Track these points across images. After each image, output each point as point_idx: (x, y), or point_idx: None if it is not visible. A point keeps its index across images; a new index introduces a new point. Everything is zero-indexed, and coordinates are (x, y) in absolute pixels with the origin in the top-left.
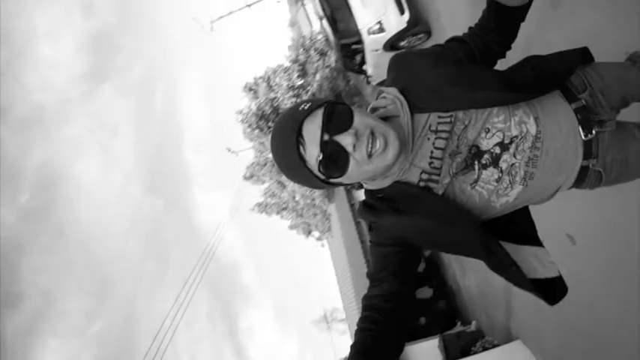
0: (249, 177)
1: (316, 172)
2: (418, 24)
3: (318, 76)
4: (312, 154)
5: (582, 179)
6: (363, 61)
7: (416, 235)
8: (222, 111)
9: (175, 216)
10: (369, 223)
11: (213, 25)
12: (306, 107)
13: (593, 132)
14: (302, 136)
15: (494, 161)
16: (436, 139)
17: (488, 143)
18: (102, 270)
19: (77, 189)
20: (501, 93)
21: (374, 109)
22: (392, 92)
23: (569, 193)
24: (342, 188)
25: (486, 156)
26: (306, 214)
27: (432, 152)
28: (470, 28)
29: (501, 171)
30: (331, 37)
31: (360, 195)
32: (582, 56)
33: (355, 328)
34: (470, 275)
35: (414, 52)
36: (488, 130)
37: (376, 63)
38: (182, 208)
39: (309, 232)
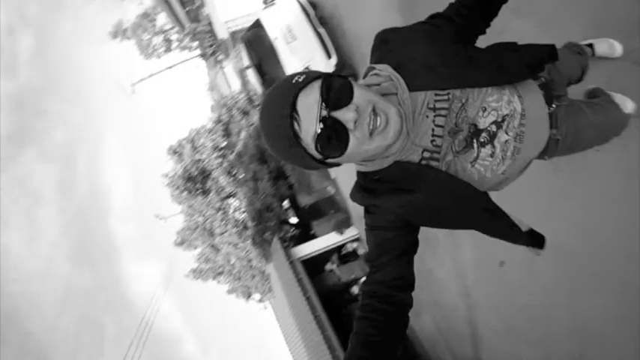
0: (180, 243)
1: (312, 151)
2: (345, 68)
3: (242, 135)
4: (308, 131)
5: (545, 149)
6: None
7: (419, 214)
8: (148, 176)
9: (108, 287)
10: (365, 205)
11: (135, 87)
12: (300, 79)
13: (554, 105)
14: (296, 111)
15: (492, 139)
16: (435, 116)
17: (485, 122)
18: (35, 346)
19: (3, 261)
20: (497, 74)
21: (366, 87)
22: (386, 69)
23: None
24: (279, 246)
25: (484, 134)
26: (243, 276)
27: (433, 130)
28: (452, 5)
29: (495, 147)
30: (258, 88)
31: (299, 251)
32: (552, 51)
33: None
34: (424, 314)
35: (403, 28)
36: (484, 109)
37: None
38: (114, 279)
39: (249, 296)
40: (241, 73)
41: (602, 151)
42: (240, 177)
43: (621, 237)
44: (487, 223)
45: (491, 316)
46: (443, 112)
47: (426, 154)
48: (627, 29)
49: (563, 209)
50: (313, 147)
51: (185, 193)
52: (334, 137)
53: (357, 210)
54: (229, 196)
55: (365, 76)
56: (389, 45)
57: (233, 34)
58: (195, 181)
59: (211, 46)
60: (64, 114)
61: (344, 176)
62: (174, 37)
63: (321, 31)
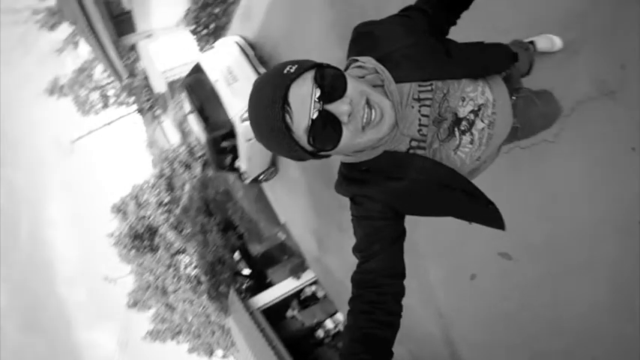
0: (133, 304)
1: (304, 143)
2: None
3: (186, 188)
4: (301, 124)
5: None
6: (234, 159)
7: (407, 200)
8: (94, 236)
9: (62, 358)
10: (352, 196)
11: (74, 145)
12: (292, 70)
13: (514, 97)
14: (288, 104)
15: (470, 127)
16: (421, 106)
17: (464, 111)
18: None
19: None
20: (475, 67)
21: (359, 79)
22: (369, 61)
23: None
24: (236, 298)
25: (464, 123)
26: (203, 333)
27: (419, 120)
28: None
29: (473, 135)
30: (201, 136)
31: (258, 301)
32: (513, 54)
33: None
34: (398, 347)
35: (380, 21)
36: (464, 99)
37: (250, 155)
38: (68, 349)
39: (211, 353)
40: (181, 125)
41: (557, 142)
42: (188, 231)
43: (588, 226)
44: (467, 205)
45: (469, 331)
46: (427, 102)
47: (414, 143)
48: (564, 23)
49: (526, 205)
50: (305, 140)
51: (133, 251)
52: (327, 130)
53: (311, 252)
54: (179, 251)
55: (346, 69)
56: (369, 38)
57: (171, 84)
58: (142, 239)
59: (148, 100)
60: (2, 177)
61: (294, 220)
62: (111, 92)
63: (262, 70)
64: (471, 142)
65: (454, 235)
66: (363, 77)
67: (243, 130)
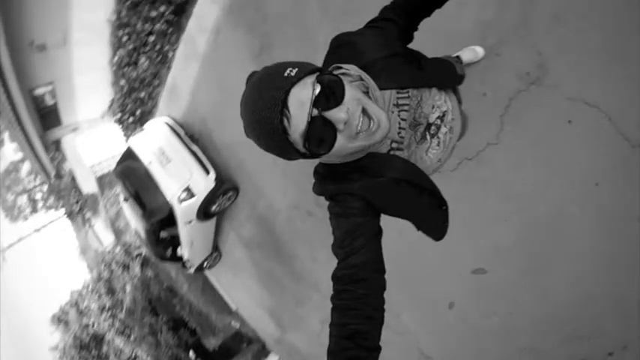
0: None
1: (299, 146)
2: (224, 181)
3: (128, 289)
4: (298, 128)
5: None
6: (175, 248)
7: (384, 197)
8: (36, 352)
9: None
10: (332, 195)
11: (5, 254)
12: (293, 73)
13: (461, 105)
14: (287, 107)
15: (437, 131)
16: (400, 112)
17: (433, 117)
18: None
19: None
20: (441, 78)
21: (355, 86)
22: (354, 69)
23: None
24: None
25: (433, 127)
26: None
27: (399, 123)
28: (393, 8)
29: (439, 138)
30: (138, 227)
31: None
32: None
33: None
34: None
35: (356, 32)
36: (433, 106)
37: (192, 239)
38: None
39: None
40: (114, 224)
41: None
42: (137, 335)
43: (549, 214)
44: (428, 206)
45: None
46: (405, 108)
47: (394, 145)
48: (479, 32)
49: (486, 212)
50: (301, 143)
51: None
52: (322, 136)
53: (270, 334)
54: (131, 358)
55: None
56: (351, 48)
57: (101, 179)
58: (89, 349)
59: (77, 202)
60: None
61: (246, 304)
62: (38, 195)
63: (194, 148)
64: (438, 144)
65: (421, 270)
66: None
67: (182, 212)
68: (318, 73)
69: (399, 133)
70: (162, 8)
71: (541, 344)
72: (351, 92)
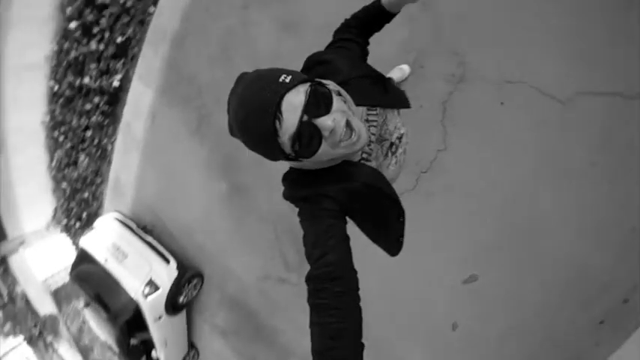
0: None
1: (286, 148)
2: (187, 269)
3: None
4: (288, 130)
5: None
6: (150, 352)
7: (355, 201)
8: None
9: None
10: (305, 197)
11: None
12: (287, 80)
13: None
14: (281, 111)
15: (396, 150)
16: (369, 127)
17: (394, 136)
18: None
19: None
20: (402, 100)
21: (342, 100)
22: (332, 84)
23: None
24: None
25: (394, 145)
26: None
27: (369, 137)
28: (348, 28)
29: (397, 157)
30: (105, 335)
31: None
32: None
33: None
34: None
35: (333, 52)
36: (395, 126)
37: (165, 338)
38: None
39: None
40: (78, 342)
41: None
42: None
43: (519, 200)
44: (391, 216)
45: None
46: (374, 124)
47: (365, 155)
48: (400, 50)
49: (456, 218)
50: (289, 145)
51: None
52: (309, 141)
53: None
54: None
55: None
56: (326, 66)
57: (56, 293)
58: None
59: (35, 325)
60: None
61: None
62: None
63: (149, 239)
64: (396, 162)
65: (411, 302)
66: None
67: (150, 307)
68: (310, 83)
69: (368, 145)
70: (96, 99)
71: (556, 328)
72: (338, 104)
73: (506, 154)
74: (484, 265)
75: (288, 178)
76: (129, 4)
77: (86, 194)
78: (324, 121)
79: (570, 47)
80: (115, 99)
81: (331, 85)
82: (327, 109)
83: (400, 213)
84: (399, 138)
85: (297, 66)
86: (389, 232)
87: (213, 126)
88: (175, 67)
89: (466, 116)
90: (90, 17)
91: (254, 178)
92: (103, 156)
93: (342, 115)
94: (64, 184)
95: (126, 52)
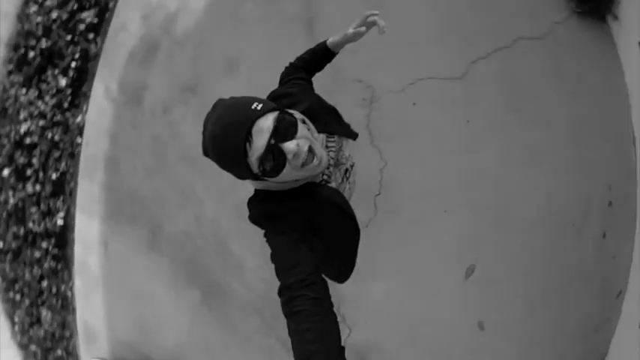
0: None
1: (254, 167)
2: None
3: None
4: (256, 152)
5: None
6: None
7: (319, 217)
8: None
9: None
10: (273, 214)
11: None
12: (259, 107)
13: None
14: (251, 134)
15: (350, 175)
16: (329, 151)
17: (349, 163)
18: None
19: None
20: (352, 131)
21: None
22: (297, 113)
23: None
24: None
25: (348, 171)
26: None
27: (329, 161)
28: (296, 69)
29: (350, 183)
30: None
31: None
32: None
33: (291, 311)
34: None
35: (292, 86)
36: (348, 155)
37: None
38: None
39: None
40: None
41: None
42: None
43: (476, 176)
44: (349, 235)
45: None
46: (333, 149)
47: (325, 177)
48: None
49: (428, 216)
50: (256, 165)
51: None
52: (275, 162)
53: None
54: None
55: None
56: (289, 97)
57: None
58: None
59: None
60: None
61: None
62: None
63: None
64: (349, 188)
65: (431, 323)
66: None
67: None
68: (278, 112)
69: (328, 168)
70: (44, 244)
71: (565, 284)
72: (302, 131)
73: (440, 144)
74: (474, 252)
75: (255, 200)
76: (57, 138)
77: (59, 351)
78: (289, 146)
79: (441, 30)
80: (63, 240)
81: (297, 114)
82: (292, 134)
83: (356, 231)
84: (352, 165)
85: None
86: (345, 250)
87: (167, 235)
88: (114, 189)
89: (390, 128)
90: (21, 160)
91: (222, 272)
92: (65, 305)
93: (305, 141)
94: (33, 347)
95: (63, 189)
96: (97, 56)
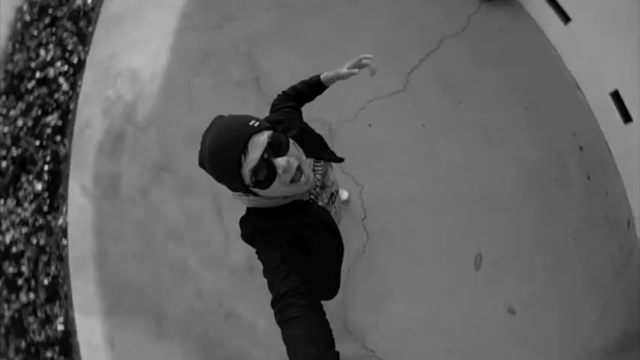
0: None
1: (246, 179)
2: None
3: None
4: (249, 165)
5: None
6: None
7: (311, 230)
8: None
9: None
10: (264, 230)
11: None
12: (256, 125)
13: None
14: (247, 147)
15: (335, 200)
16: (315, 174)
17: (334, 187)
18: None
19: None
20: (337, 157)
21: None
22: (289, 138)
23: None
24: None
25: (333, 195)
26: None
27: (316, 182)
28: (287, 98)
29: (336, 207)
30: None
31: None
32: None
33: (286, 320)
34: None
35: (281, 114)
36: (333, 181)
37: None
38: None
39: None
40: None
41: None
42: None
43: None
44: (334, 250)
45: None
46: (320, 172)
47: (312, 197)
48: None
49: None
50: (249, 177)
51: None
52: (266, 175)
53: None
54: None
55: None
56: (280, 124)
57: None
58: None
59: None
60: None
61: None
62: None
63: None
64: (335, 212)
65: (463, 328)
66: None
67: None
68: (273, 130)
69: (314, 189)
70: (48, 354)
71: (572, 238)
72: (293, 150)
73: (405, 153)
74: (474, 242)
75: (246, 218)
76: (42, 242)
77: None
78: (280, 161)
79: (375, 53)
80: (67, 346)
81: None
82: (284, 152)
83: (341, 248)
84: (337, 191)
85: None
86: (331, 265)
87: (172, 318)
88: (109, 284)
89: (356, 154)
90: (10, 270)
91: (236, 339)
92: None
93: (295, 160)
94: None
95: (57, 293)
96: (67, 157)
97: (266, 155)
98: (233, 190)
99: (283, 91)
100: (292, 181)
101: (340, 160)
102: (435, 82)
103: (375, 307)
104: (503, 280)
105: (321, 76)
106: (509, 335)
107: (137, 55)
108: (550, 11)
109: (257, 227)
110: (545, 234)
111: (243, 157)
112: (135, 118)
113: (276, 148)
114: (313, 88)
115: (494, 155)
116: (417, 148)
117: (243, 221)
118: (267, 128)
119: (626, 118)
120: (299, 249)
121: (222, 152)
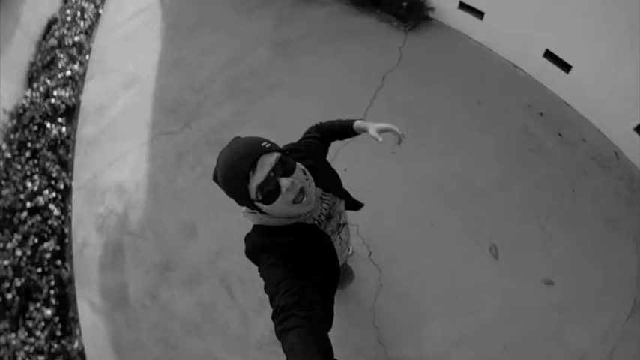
0: None
1: (252, 193)
2: None
3: None
4: (257, 181)
5: None
6: None
7: (311, 250)
8: None
9: None
10: (267, 246)
11: None
12: (267, 146)
13: None
14: (256, 165)
15: (341, 231)
16: (322, 203)
17: (342, 219)
18: None
19: None
20: (348, 195)
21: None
22: (300, 166)
23: None
24: None
25: (340, 226)
26: None
27: (321, 210)
28: (319, 130)
29: (342, 239)
30: None
31: None
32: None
33: (287, 328)
34: None
35: (302, 144)
36: (340, 213)
37: None
38: None
39: None
40: None
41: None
42: None
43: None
44: (333, 274)
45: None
46: (327, 202)
47: (316, 222)
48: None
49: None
50: (254, 192)
51: None
52: (270, 192)
53: None
54: None
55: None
56: (296, 152)
57: None
58: None
59: None
60: None
61: None
62: None
63: None
64: (340, 243)
65: (518, 323)
66: None
67: None
68: (281, 153)
69: (319, 216)
70: None
71: (574, 200)
72: (298, 174)
73: (387, 181)
74: (483, 235)
75: (251, 234)
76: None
77: None
78: (284, 181)
79: (330, 107)
80: None
81: (300, 166)
82: (289, 173)
83: (336, 274)
84: (345, 223)
85: None
86: (325, 288)
87: None
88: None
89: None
90: None
91: None
92: None
93: (299, 182)
94: None
95: None
96: (71, 279)
97: (272, 174)
98: (240, 204)
99: (320, 122)
100: (294, 201)
101: (359, 205)
102: (389, 112)
103: (411, 335)
104: (527, 257)
105: (355, 123)
106: (555, 308)
107: (118, 170)
108: (465, 15)
109: (259, 243)
110: (543, 200)
111: (251, 173)
112: (129, 227)
113: (282, 169)
114: (345, 128)
115: (466, 153)
116: (395, 173)
117: (247, 237)
118: (278, 151)
119: (566, 67)
120: (297, 267)
121: (234, 168)
